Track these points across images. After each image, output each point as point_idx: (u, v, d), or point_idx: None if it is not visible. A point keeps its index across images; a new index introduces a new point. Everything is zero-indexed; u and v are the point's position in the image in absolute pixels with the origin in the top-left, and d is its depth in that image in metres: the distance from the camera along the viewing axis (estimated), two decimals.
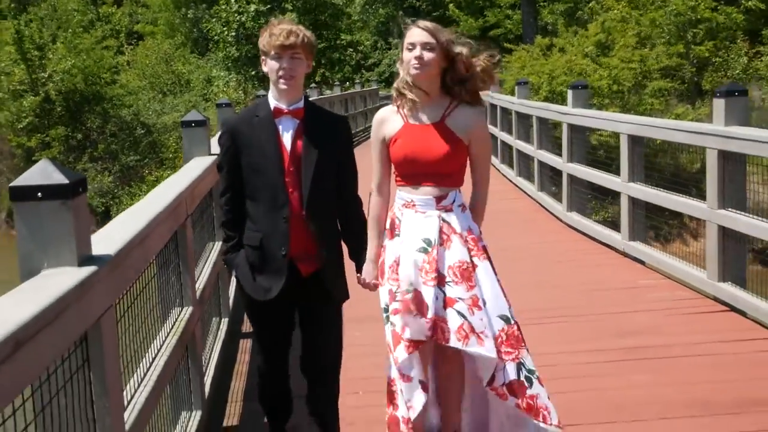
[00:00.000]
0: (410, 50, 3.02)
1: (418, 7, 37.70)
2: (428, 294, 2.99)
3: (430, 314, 2.96)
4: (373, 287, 3.23)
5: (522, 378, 3.03)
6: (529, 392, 3.03)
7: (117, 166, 23.85)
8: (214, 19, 29.61)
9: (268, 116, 3.08)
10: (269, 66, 3.04)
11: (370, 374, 4.29)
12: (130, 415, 2.47)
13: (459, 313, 2.97)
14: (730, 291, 5.40)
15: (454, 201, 3.10)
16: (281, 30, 3.00)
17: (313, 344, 3.20)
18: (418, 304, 2.99)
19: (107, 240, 2.40)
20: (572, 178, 8.45)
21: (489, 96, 13.26)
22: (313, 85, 22.52)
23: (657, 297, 5.82)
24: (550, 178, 9.68)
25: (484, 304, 3.01)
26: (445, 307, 2.99)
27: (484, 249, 3.11)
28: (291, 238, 3.04)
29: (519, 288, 5.06)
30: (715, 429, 3.72)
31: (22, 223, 2.04)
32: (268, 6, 27.97)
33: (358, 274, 3.27)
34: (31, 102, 23.56)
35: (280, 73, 3.01)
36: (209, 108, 23.48)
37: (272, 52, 3.02)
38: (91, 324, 2.08)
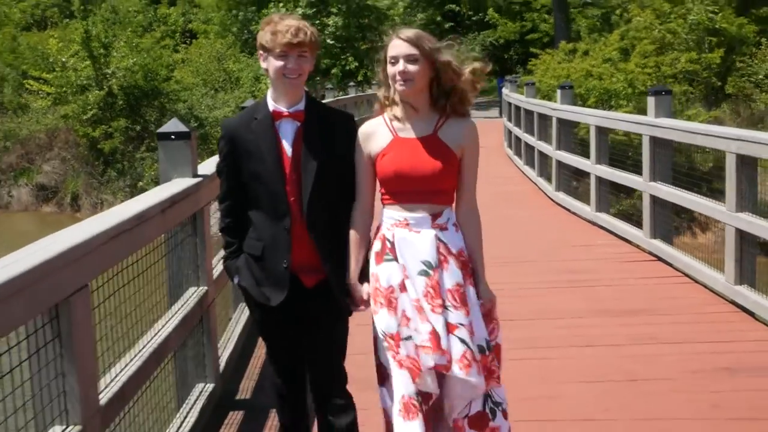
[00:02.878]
0: (393, 64, 2.78)
1: (458, 11, 39.32)
2: (438, 322, 2.77)
3: (444, 344, 2.76)
4: (358, 307, 2.98)
5: (487, 410, 2.88)
6: (491, 424, 2.88)
7: None
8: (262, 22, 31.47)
9: (267, 119, 2.86)
10: (272, 64, 2.80)
11: None
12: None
13: (461, 340, 2.77)
14: (658, 245, 6.99)
15: (448, 219, 2.88)
16: (288, 27, 2.77)
17: (317, 358, 2.98)
18: (433, 339, 2.76)
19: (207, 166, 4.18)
20: (560, 164, 10.06)
21: (506, 95, 14.88)
22: (352, 84, 24.22)
23: (604, 251, 7.45)
24: (547, 165, 11.28)
25: (479, 329, 2.85)
26: (447, 334, 2.78)
27: (472, 273, 2.90)
28: (293, 250, 2.85)
29: (500, 243, 6.74)
30: (607, 326, 5.36)
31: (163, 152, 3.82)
32: (314, 9, 29.70)
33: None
34: (96, 96, 25.33)
35: (288, 72, 2.79)
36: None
37: (277, 50, 2.78)
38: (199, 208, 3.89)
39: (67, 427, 2.55)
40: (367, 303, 2.93)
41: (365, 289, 2.92)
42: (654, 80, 19.78)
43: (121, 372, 3.09)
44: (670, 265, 6.70)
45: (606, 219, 8.36)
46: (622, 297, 5.97)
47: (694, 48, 20.40)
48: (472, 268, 2.91)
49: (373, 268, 2.91)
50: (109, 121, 25.20)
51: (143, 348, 3.35)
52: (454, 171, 2.87)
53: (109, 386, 2.93)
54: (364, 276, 2.95)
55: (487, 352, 2.85)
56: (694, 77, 20.66)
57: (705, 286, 6.00)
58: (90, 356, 2.67)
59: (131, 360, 3.21)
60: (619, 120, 8.00)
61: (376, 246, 2.92)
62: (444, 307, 2.79)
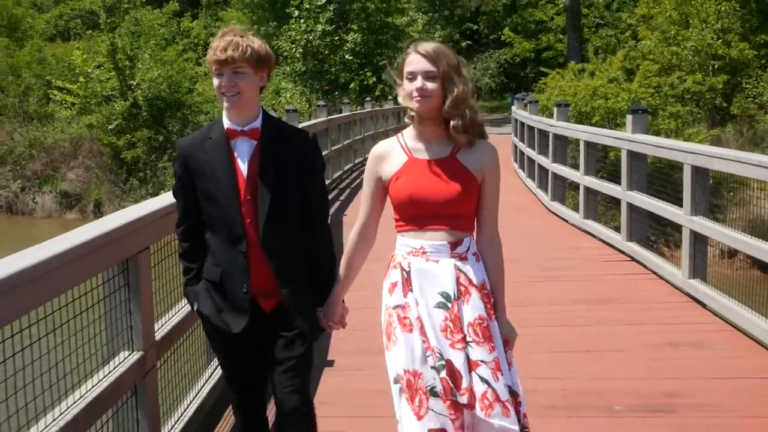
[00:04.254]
0: (410, 80, 2.65)
1: (476, 29, 40.29)
2: (458, 359, 2.59)
3: (465, 383, 2.58)
4: (328, 328, 2.93)
5: None
6: None
7: None
8: (283, 38, 32.53)
9: (221, 138, 2.74)
10: (214, 82, 2.74)
11: None
12: None
13: (482, 379, 2.58)
14: (634, 248, 7.80)
15: (468, 248, 2.71)
16: (219, 43, 2.68)
17: (281, 385, 2.84)
18: (452, 378, 2.60)
19: None
20: (555, 175, 10.90)
21: (514, 112, 15.75)
22: (368, 99, 25.11)
23: (587, 253, 8.28)
24: (545, 177, 12.09)
25: (508, 366, 2.69)
26: (469, 372, 2.60)
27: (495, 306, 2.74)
28: (251, 274, 2.74)
29: None
30: (577, 311, 6.18)
31: None
32: (334, 26, 30.72)
33: (320, 313, 2.90)
34: (121, 106, 26.13)
35: (225, 90, 2.69)
36: (280, 116, 26.28)
37: (213, 67, 2.71)
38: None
39: (132, 353, 3.42)
40: (341, 323, 2.92)
41: (343, 311, 2.91)
42: (657, 100, 20.64)
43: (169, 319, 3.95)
44: (642, 264, 7.51)
45: (592, 225, 9.17)
46: (595, 289, 6.79)
47: (698, 70, 21.22)
48: (493, 302, 2.73)
49: (387, 299, 2.74)
50: (132, 131, 25.83)
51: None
52: (474, 195, 2.71)
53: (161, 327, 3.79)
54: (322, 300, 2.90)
55: (516, 392, 2.68)
56: (699, 98, 21.47)
57: (667, 281, 6.81)
58: (149, 301, 3.51)
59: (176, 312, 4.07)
60: (604, 135, 8.87)
61: (392, 276, 2.75)
62: (465, 342, 2.61)
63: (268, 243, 2.74)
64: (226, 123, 2.77)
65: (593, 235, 9.01)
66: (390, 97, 28.16)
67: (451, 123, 2.66)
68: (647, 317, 5.92)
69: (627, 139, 7.85)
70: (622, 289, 6.77)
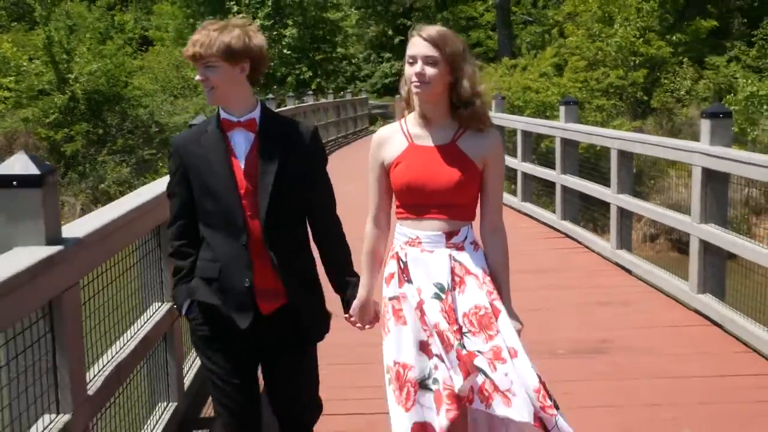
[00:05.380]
0: (411, 64, 2.57)
1: (408, 25, 41.16)
2: (451, 360, 2.54)
3: (457, 387, 2.52)
4: (362, 328, 2.82)
5: None
6: None
7: (134, 159, 25.96)
8: None
9: (216, 131, 2.68)
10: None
11: None
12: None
13: (479, 369, 2.52)
14: (568, 226, 8.72)
15: (465, 238, 2.66)
16: (191, 38, 2.64)
17: (283, 392, 2.79)
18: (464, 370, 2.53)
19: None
20: (525, 175, 10.63)
21: None
22: (309, 92, 25.70)
23: (526, 232, 9.17)
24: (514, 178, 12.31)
25: (512, 355, 2.55)
26: (466, 363, 2.53)
27: (499, 295, 2.66)
28: (254, 268, 2.64)
29: None
30: (521, 280, 7.02)
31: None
32: (272, 21, 31.15)
33: (346, 314, 2.80)
34: (60, 100, 25.75)
35: (202, 83, 2.64)
36: (215, 110, 26.54)
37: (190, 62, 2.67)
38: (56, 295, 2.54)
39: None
40: (371, 322, 2.79)
41: (375, 308, 2.76)
42: (585, 94, 21.88)
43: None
44: (575, 240, 8.44)
45: (529, 207, 10.10)
46: (537, 261, 7.66)
47: (620, 66, 22.56)
48: (496, 291, 2.64)
49: (384, 289, 2.71)
50: (70, 124, 25.53)
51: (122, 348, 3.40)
52: (474, 184, 2.65)
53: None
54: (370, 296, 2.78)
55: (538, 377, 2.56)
56: (622, 92, 22.82)
57: (598, 254, 7.75)
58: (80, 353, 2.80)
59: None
60: (539, 125, 9.80)
61: (389, 266, 2.72)
62: (461, 333, 2.56)
63: (271, 235, 2.65)
64: (223, 114, 2.70)
65: (531, 216, 9.92)
66: (329, 91, 28.89)
67: (461, 111, 2.61)
68: (582, 283, 6.83)
69: (561, 127, 8.77)
70: (559, 261, 7.69)
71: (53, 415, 2.64)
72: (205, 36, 2.60)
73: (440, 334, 2.55)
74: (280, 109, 16.85)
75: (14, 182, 2.57)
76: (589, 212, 9.60)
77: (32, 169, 2.58)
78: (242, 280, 2.65)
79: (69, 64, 26.80)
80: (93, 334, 3.12)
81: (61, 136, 25.77)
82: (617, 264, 7.27)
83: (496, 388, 2.51)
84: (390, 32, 38.65)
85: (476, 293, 2.61)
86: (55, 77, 26.44)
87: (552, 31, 27.78)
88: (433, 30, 2.60)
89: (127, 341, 3.49)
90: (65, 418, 2.65)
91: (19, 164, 2.59)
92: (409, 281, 2.64)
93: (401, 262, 2.66)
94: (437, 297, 2.59)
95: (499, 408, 2.49)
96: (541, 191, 12.37)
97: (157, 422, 3.87)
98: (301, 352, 2.77)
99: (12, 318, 2.36)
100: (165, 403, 4.06)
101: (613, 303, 6.21)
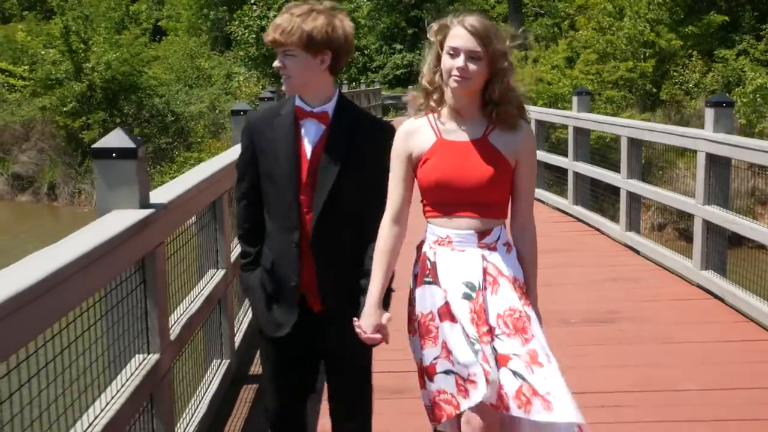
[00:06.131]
0: (452, 56, 2.43)
1: (421, 17, 41.48)
2: (487, 352, 2.42)
3: (492, 376, 2.39)
4: (374, 340, 2.55)
5: None
6: None
7: (150, 148, 26.00)
8: (236, 22, 33.12)
9: (289, 116, 2.57)
10: None
11: None
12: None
13: (515, 373, 2.41)
14: (579, 210, 9.15)
15: (498, 238, 2.55)
16: (273, 22, 2.53)
17: (333, 408, 2.74)
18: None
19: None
20: (538, 162, 11.83)
21: None
22: None
23: (539, 216, 9.55)
24: None
25: (549, 361, 2.45)
26: (497, 367, 2.42)
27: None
28: (302, 268, 2.56)
29: None
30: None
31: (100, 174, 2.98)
32: None
33: (357, 324, 2.56)
34: (78, 88, 25.90)
35: (279, 71, 2.54)
36: (229, 100, 26.97)
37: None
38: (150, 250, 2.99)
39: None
40: (382, 334, 2.54)
41: (384, 318, 2.53)
42: (596, 86, 22.25)
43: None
44: (586, 223, 8.88)
45: (542, 192, 10.51)
46: (549, 243, 8.04)
47: (630, 58, 22.92)
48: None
49: (415, 291, 2.60)
50: (87, 113, 25.94)
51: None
52: (507, 181, 2.53)
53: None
54: (386, 303, 2.57)
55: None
56: (632, 84, 23.19)
57: (608, 236, 8.18)
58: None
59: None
60: (552, 114, 10.23)
61: (417, 267, 2.62)
62: (493, 335, 2.45)
63: (319, 236, 2.54)
64: (298, 101, 2.58)
65: (543, 202, 10.35)
66: (344, 82, 29.29)
67: (492, 108, 2.49)
68: (593, 261, 7.28)
69: (573, 117, 9.20)
70: (572, 242, 8.12)
71: (145, 355, 3.01)
72: (288, 21, 2.48)
73: (468, 337, 2.44)
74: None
75: (113, 154, 2.93)
76: (597, 202, 10.00)
77: (128, 143, 2.95)
78: (290, 279, 2.58)
79: (86, 53, 27.03)
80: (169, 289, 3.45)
81: (78, 125, 26.07)
82: (626, 245, 7.70)
83: (535, 392, 2.39)
84: (402, 23, 38.95)
85: (510, 295, 2.50)
86: (72, 66, 26.66)
87: (564, 24, 28.12)
88: (478, 23, 2.45)
89: (193, 299, 3.90)
90: (155, 357, 3.04)
91: (117, 139, 2.97)
92: (436, 282, 2.53)
93: (429, 262, 2.56)
94: (467, 297, 2.48)
95: (539, 414, 2.37)
96: (551, 181, 12.79)
97: (214, 376, 4.28)
98: (354, 355, 2.64)
99: (116, 270, 2.73)
100: (219, 360, 4.45)
101: (622, 279, 6.66)
